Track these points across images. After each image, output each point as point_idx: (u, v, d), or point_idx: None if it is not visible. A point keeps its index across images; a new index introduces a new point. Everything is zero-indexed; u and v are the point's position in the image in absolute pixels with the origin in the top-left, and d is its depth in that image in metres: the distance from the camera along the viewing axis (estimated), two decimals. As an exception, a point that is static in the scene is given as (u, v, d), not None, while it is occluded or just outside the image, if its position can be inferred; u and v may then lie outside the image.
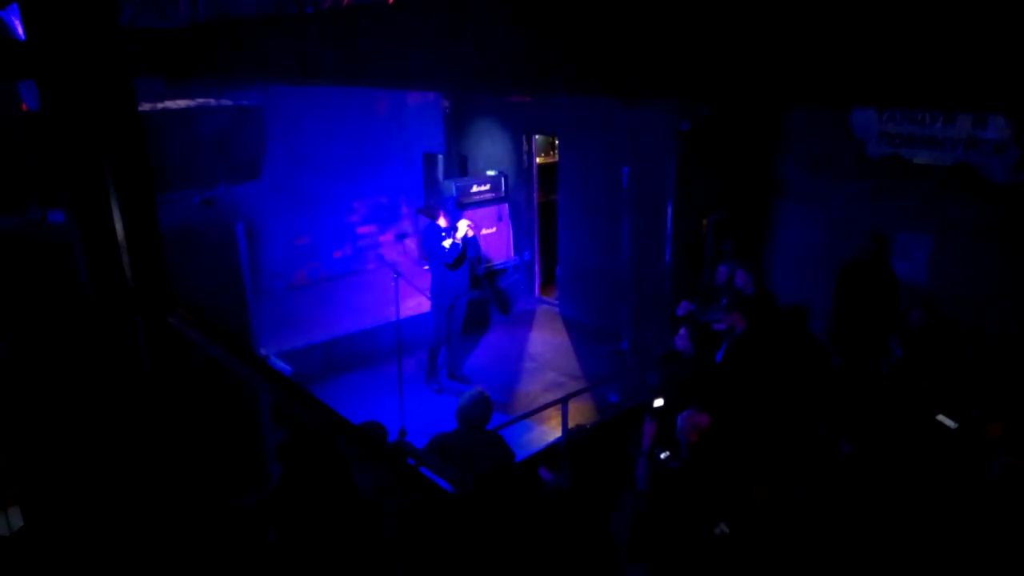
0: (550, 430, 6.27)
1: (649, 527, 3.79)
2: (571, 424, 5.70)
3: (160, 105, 3.63)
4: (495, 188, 9.25)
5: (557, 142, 9.19)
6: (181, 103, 3.71)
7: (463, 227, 6.75)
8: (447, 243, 6.72)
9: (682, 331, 5.19)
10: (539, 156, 9.51)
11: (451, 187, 8.82)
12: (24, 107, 3.86)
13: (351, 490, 3.49)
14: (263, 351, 6.69)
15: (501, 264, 9.32)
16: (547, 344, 8.39)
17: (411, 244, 9.97)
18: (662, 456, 4.04)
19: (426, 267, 7.84)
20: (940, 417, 4.22)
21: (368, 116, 9.38)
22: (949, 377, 5.12)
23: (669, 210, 7.51)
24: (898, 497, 3.94)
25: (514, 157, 9.37)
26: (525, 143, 9.24)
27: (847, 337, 6.30)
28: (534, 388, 7.29)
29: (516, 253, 9.46)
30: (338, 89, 8.49)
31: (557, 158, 9.07)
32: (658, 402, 4.37)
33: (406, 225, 9.98)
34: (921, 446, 4.19)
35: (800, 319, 5.50)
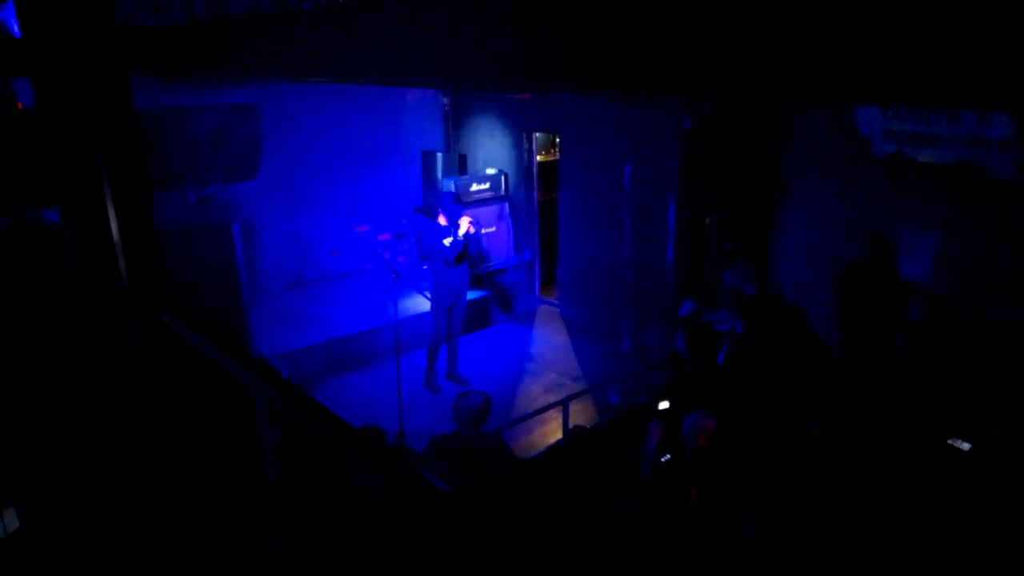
0: (550, 431, 6.23)
1: (649, 525, 3.77)
2: (571, 425, 5.67)
3: (156, 103, 3.60)
4: (495, 187, 9.21)
5: (558, 140, 9.14)
6: (177, 101, 3.68)
7: (464, 224, 6.71)
8: (447, 241, 6.68)
9: (684, 331, 5.15)
10: (540, 154, 9.46)
11: (450, 185, 8.78)
12: (19, 105, 3.83)
13: (349, 492, 3.46)
14: (260, 352, 6.66)
15: (501, 264, 9.27)
16: (547, 344, 8.35)
17: (410, 244, 9.94)
18: (663, 459, 4.00)
19: (425, 266, 7.81)
20: (951, 440, 4.16)
21: (366, 114, 9.34)
22: (947, 374, 5.08)
23: (671, 209, 7.48)
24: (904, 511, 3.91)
25: (514, 155, 9.32)
26: (525, 141, 9.20)
27: (851, 335, 6.27)
28: (534, 389, 7.25)
29: (516, 253, 9.42)
30: (336, 87, 8.46)
31: (558, 156, 9.03)
32: (664, 404, 4.33)
33: (405, 224, 9.94)
34: (932, 469, 4.12)
35: (799, 318, 5.47)
